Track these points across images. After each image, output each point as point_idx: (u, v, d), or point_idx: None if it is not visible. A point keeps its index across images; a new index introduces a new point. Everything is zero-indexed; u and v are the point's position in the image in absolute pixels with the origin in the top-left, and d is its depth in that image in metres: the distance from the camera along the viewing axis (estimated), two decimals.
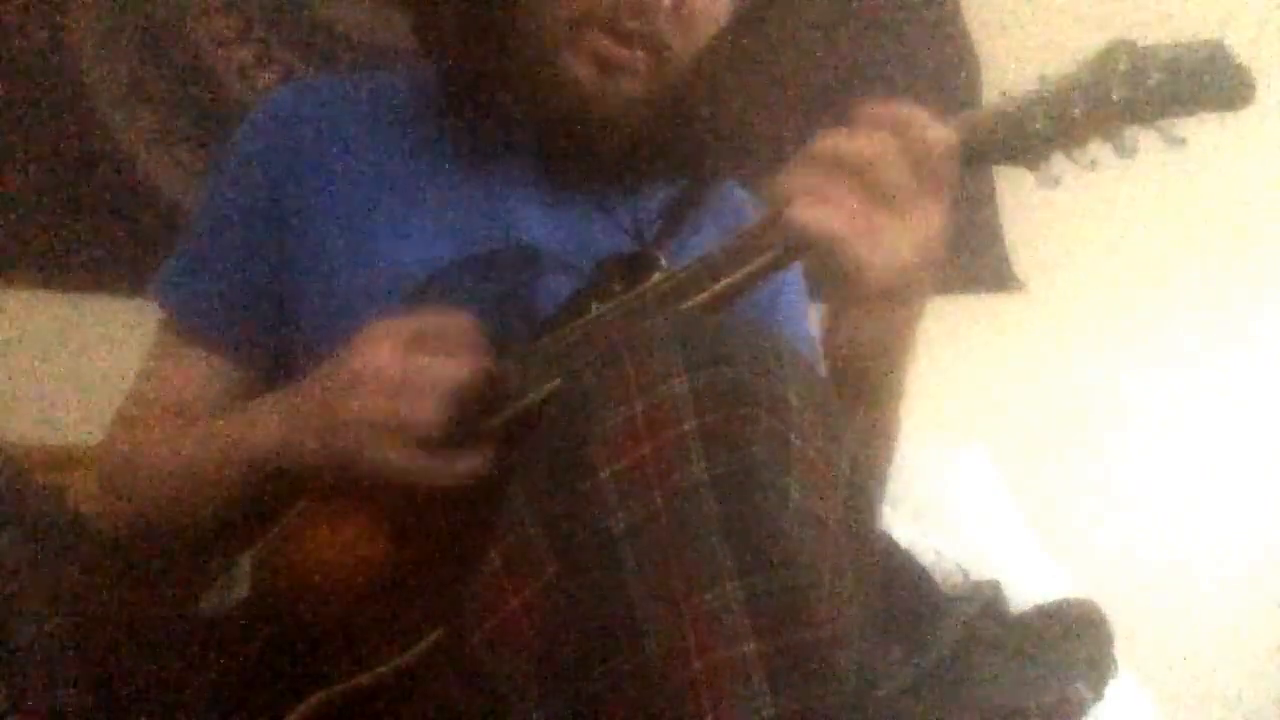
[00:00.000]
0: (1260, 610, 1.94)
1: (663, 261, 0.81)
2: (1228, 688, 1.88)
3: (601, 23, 0.83)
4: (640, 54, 0.85)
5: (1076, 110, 0.70)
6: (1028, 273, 1.86)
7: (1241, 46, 0.71)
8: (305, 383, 0.76)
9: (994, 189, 1.84)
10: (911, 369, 0.74)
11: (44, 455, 1.30)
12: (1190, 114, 0.71)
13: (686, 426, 0.56)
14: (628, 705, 0.53)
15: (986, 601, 0.80)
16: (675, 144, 0.92)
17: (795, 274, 1.01)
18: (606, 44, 0.84)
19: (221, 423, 0.82)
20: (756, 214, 0.79)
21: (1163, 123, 0.71)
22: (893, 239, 0.64)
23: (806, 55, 1.71)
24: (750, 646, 0.51)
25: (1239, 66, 0.69)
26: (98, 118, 1.55)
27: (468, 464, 0.70)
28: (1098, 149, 0.72)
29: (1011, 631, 0.79)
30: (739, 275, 0.70)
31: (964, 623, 0.75)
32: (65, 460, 1.24)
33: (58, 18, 1.54)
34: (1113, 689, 0.80)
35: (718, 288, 0.70)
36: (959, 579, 0.81)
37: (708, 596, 0.52)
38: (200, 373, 0.91)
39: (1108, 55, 0.70)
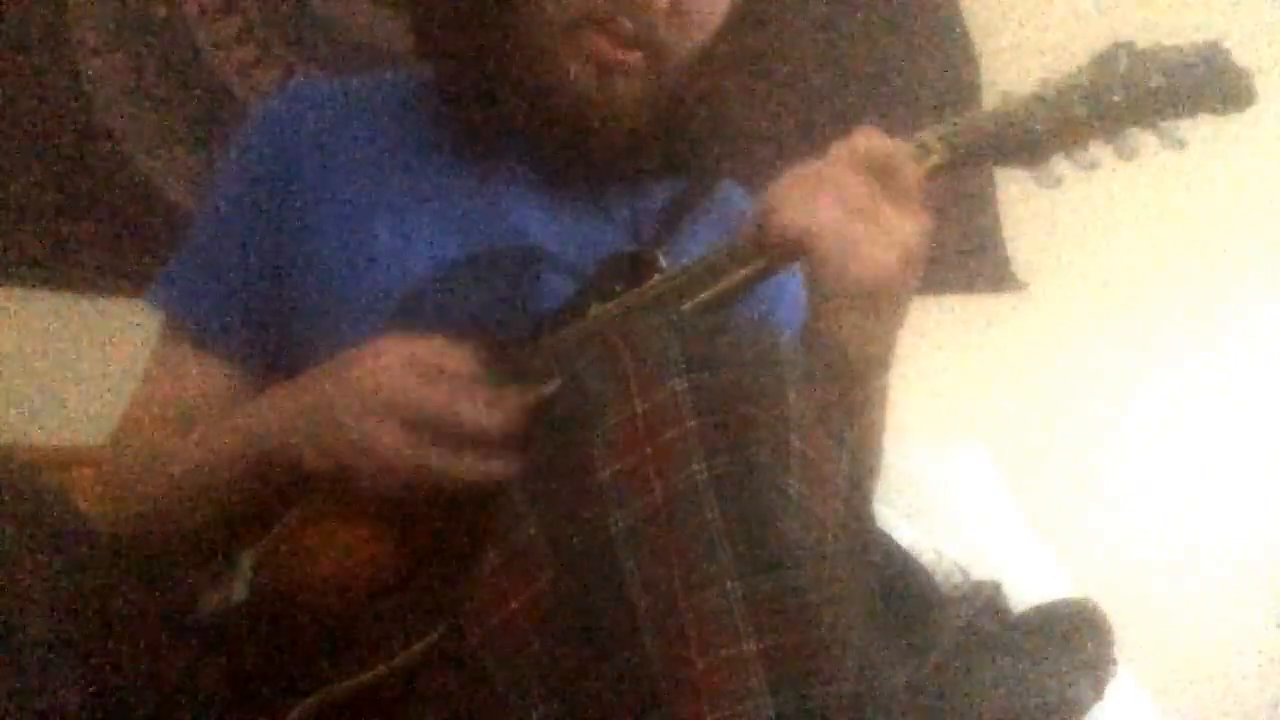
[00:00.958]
0: (1260, 610, 1.94)
1: (662, 261, 0.81)
2: (1228, 688, 1.88)
3: (599, 24, 0.83)
4: (638, 55, 0.85)
5: (1077, 111, 0.70)
6: (1028, 273, 1.86)
7: (1241, 47, 0.71)
8: (305, 381, 0.75)
9: (994, 189, 1.84)
10: (891, 372, 0.76)
11: (45, 455, 1.30)
12: (1190, 115, 0.71)
13: (686, 426, 0.56)
14: (628, 705, 0.53)
15: (986, 601, 0.80)
16: (674, 144, 0.92)
17: (795, 274, 1.01)
18: (604, 45, 0.84)
19: (222, 424, 0.82)
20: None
21: (1163, 124, 0.71)
22: (868, 245, 0.68)
23: (806, 55, 1.72)
24: (750, 646, 0.52)
25: (1239, 68, 0.69)
26: (98, 118, 1.55)
27: (496, 465, 0.67)
28: (1098, 150, 0.72)
29: (1011, 631, 0.79)
30: (739, 275, 0.70)
31: (964, 623, 0.75)
32: (66, 460, 1.24)
33: (58, 18, 1.54)
34: (1113, 689, 0.80)
35: (718, 288, 0.70)
36: (959, 579, 0.81)
37: (708, 596, 0.52)
38: (203, 375, 0.91)
39: (1108, 57, 0.70)
